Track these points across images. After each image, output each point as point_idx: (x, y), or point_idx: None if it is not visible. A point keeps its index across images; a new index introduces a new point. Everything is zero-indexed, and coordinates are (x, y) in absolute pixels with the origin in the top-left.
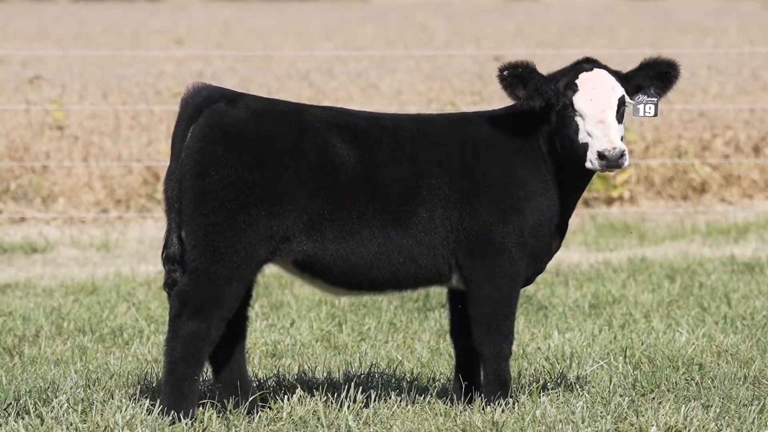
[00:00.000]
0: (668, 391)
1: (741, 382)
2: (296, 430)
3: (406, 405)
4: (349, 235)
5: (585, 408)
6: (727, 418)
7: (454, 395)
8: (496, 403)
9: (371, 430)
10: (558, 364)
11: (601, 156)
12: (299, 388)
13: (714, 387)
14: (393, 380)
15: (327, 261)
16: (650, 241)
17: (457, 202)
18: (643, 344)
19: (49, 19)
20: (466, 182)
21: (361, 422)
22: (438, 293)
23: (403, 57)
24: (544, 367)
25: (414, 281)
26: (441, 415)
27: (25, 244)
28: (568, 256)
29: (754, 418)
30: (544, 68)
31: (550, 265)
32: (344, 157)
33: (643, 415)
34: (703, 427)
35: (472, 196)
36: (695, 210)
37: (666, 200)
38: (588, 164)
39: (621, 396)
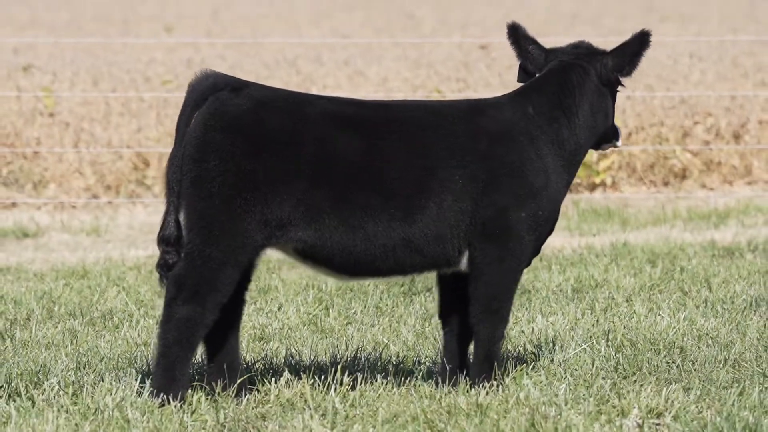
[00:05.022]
0: (650, 373)
1: (721, 365)
2: (283, 412)
3: (392, 388)
4: (351, 226)
5: (568, 390)
6: (707, 400)
7: (439, 378)
8: (483, 383)
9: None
10: (541, 347)
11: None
12: (286, 371)
13: (695, 370)
14: (379, 363)
15: (328, 250)
16: (632, 226)
17: (472, 190)
18: (624, 328)
19: (41, 7)
20: (482, 170)
21: (347, 405)
22: (424, 278)
23: (389, 45)
24: (527, 350)
25: (420, 268)
26: (426, 398)
27: (16, 229)
28: (551, 240)
29: (734, 401)
30: None
31: None
32: (346, 148)
33: (624, 398)
34: (684, 409)
35: (489, 184)
36: (676, 196)
37: (648, 186)
38: (619, 143)
39: (603, 379)
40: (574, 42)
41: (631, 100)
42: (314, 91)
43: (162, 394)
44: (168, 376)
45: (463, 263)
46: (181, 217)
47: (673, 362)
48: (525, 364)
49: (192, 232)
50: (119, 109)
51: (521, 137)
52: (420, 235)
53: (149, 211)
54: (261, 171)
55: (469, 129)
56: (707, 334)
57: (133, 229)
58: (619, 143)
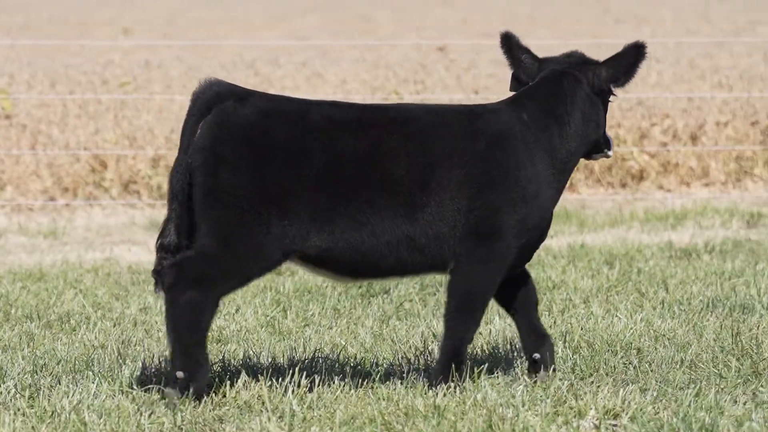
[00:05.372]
0: (607, 375)
1: (678, 366)
2: (241, 414)
3: (350, 390)
4: (360, 228)
5: (525, 392)
6: (664, 401)
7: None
8: (441, 384)
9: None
10: (499, 348)
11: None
12: (244, 374)
13: (651, 371)
14: (337, 365)
15: (338, 253)
16: (590, 227)
17: (468, 192)
18: (582, 329)
19: None
20: (478, 173)
21: (305, 407)
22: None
23: (347, 47)
24: (485, 351)
25: (419, 269)
26: (384, 399)
27: None
28: None
29: (690, 401)
30: (487, 58)
31: None
32: (352, 151)
33: (582, 399)
34: (641, 410)
35: (484, 186)
36: (634, 197)
37: (605, 188)
38: (611, 152)
39: (560, 380)
40: (567, 52)
41: None
42: (272, 93)
43: (190, 382)
44: (191, 362)
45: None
46: (197, 222)
47: (630, 363)
48: (483, 366)
49: (208, 236)
50: (76, 111)
51: (517, 143)
52: (422, 234)
53: (107, 213)
54: (273, 181)
55: (468, 131)
56: (664, 335)
57: (90, 231)
58: (610, 153)
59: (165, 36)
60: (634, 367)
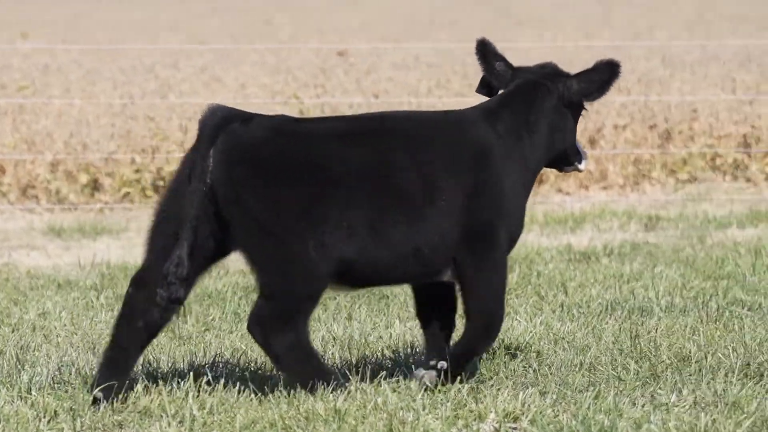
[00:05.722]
0: (507, 378)
1: (577, 369)
2: (141, 419)
3: (250, 394)
4: (377, 240)
5: (425, 395)
6: (563, 403)
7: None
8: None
9: None
10: (399, 352)
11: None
12: (143, 378)
13: (551, 374)
14: (237, 370)
15: (355, 266)
16: None
17: (462, 200)
18: None
19: None
20: (469, 181)
21: (205, 411)
22: None
23: (247, 50)
24: (386, 355)
25: (424, 275)
26: (284, 404)
27: None
28: None
29: (589, 404)
30: (387, 62)
31: None
32: (360, 162)
33: (482, 402)
34: (540, 412)
35: (474, 195)
36: (533, 201)
37: None
38: (582, 166)
39: (460, 383)
40: (541, 63)
41: None
42: (172, 98)
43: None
44: (318, 376)
45: (447, 273)
46: (247, 258)
47: (529, 366)
48: (383, 370)
49: (266, 274)
50: None
51: (497, 152)
52: (426, 243)
53: (5, 218)
54: (298, 198)
55: (458, 139)
56: (563, 338)
57: None
58: (581, 166)
59: (64, 39)
60: (533, 370)
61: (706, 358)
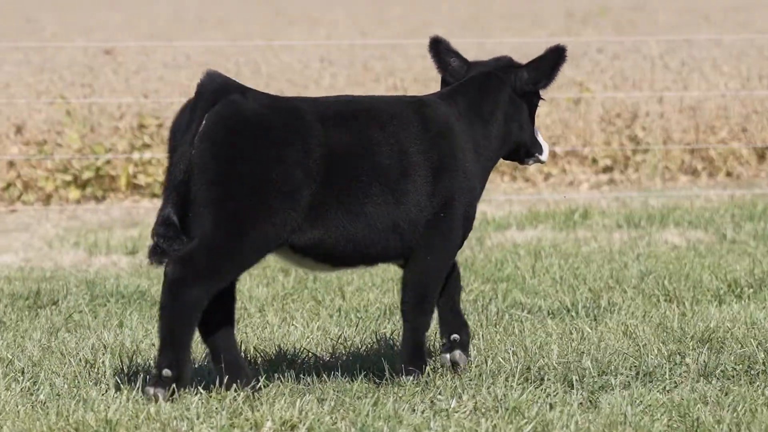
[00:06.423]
0: (283, 385)
1: (356, 375)
2: None
3: (17, 405)
4: (353, 219)
5: (200, 404)
6: (342, 410)
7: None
8: (414, 373)
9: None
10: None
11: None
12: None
13: (329, 380)
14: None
15: (328, 244)
16: None
17: (430, 180)
18: (257, 339)
19: None
20: (435, 161)
21: None
22: (50, 289)
23: (10, 49)
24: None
25: (397, 255)
26: (54, 414)
27: None
28: None
29: (368, 411)
30: (156, 61)
31: None
32: (341, 143)
33: (258, 410)
34: (318, 420)
35: (438, 175)
36: None
37: None
38: (543, 157)
39: (236, 391)
40: (496, 56)
41: None
42: None
43: (177, 380)
44: (180, 360)
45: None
46: (202, 210)
47: (307, 373)
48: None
49: (217, 227)
50: None
51: (457, 133)
52: (404, 220)
53: None
54: (278, 171)
55: (421, 120)
56: (341, 344)
57: None
58: (542, 157)
59: None
60: (311, 377)
61: (486, 362)
